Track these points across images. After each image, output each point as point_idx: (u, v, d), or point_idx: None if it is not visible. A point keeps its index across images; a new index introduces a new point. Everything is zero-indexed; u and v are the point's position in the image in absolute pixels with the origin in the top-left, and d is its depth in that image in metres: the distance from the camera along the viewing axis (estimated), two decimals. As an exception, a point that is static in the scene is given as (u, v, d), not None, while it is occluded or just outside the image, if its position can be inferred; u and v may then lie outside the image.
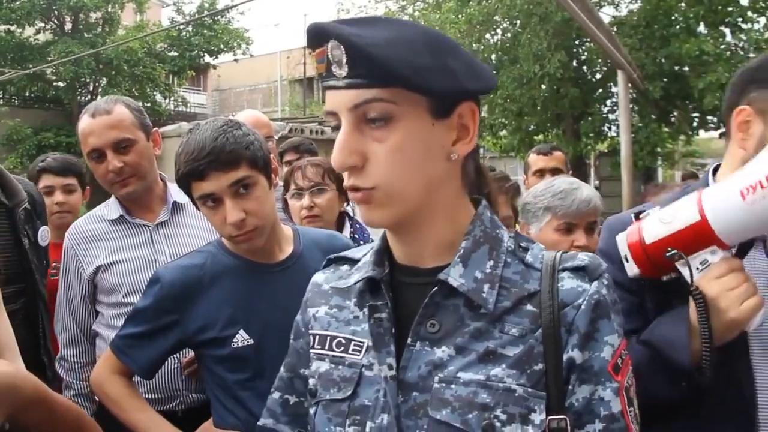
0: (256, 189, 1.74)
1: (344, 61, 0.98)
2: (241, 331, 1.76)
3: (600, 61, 12.67)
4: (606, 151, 14.31)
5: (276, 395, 1.31)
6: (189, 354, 2.07)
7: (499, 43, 13.67)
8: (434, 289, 1.06)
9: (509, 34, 13.39)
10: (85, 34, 21.81)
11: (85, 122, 2.29)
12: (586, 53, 13.08)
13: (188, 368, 2.14)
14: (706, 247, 1.38)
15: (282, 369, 1.32)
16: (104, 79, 21.77)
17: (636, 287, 1.54)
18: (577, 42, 12.80)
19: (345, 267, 1.24)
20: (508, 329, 1.03)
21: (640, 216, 1.53)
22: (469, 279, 1.05)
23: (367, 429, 1.06)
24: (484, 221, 1.11)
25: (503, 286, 1.05)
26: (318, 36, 1.01)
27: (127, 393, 1.88)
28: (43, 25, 21.39)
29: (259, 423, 1.32)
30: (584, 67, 13.43)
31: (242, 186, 1.71)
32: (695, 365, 1.33)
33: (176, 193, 2.34)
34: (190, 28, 24.06)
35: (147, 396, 2.02)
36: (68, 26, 21.89)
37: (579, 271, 1.06)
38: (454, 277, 1.05)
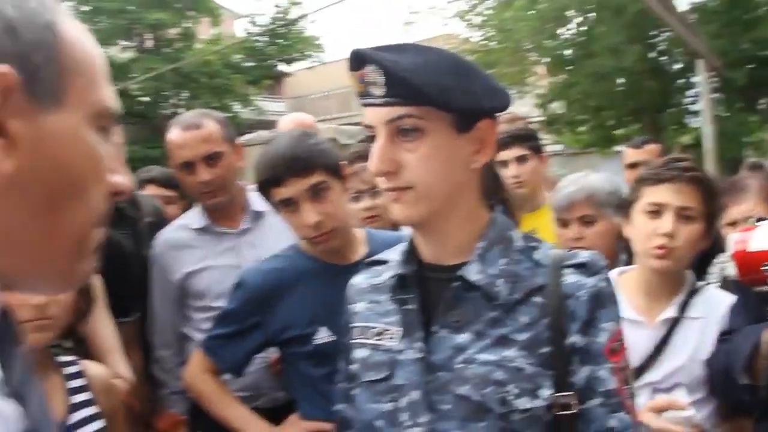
0: (331, 193, 1.84)
1: (381, 82, 1.15)
2: (322, 329, 1.85)
3: (679, 51, 12.30)
4: (690, 143, 13.90)
5: (341, 385, 1.48)
6: (275, 354, 2.17)
7: (573, 38, 13.46)
8: (456, 284, 1.22)
9: (583, 29, 13.16)
10: (165, 50, 22.59)
11: (176, 135, 2.41)
12: (663, 44, 12.72)
13: (274, 367, 2.24)
14: None
15: (340, 363, 1.48)
16: (185, 92, 22.49)
17: (745, 287, 1.62)
18: (653, 33, 12.47)
19: (379, 267, 1.42)
20: (519, 317, 1.20)
21: (758, 223, 1.58)
22: (485, 275, 1.21)
23: (402, 404, 1.23)
24: (498, 224, 1.28)
25: (515, 281, 1.22)
26: (359, 60, 1.18)
27: (219, 390, 2.00)
28: (125, 44, 22.28)
29: (333, 408, 1.50)
30: (662, 58, 13.06)
31: (318, 190, 1.82)
32: (755, 380, 1.40)
33: (257, 202, 2.45)
34: (264, 39, 24.63)
35: (236, 394, 2.11)
36: (149, 43, 22.72)
37: (581, 267, 1.22)
38: (472, 273, 1.22)
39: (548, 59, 13.92)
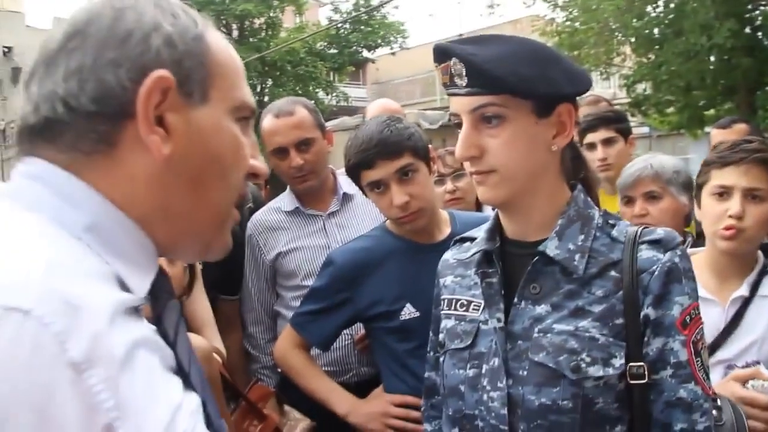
0: (418, 175, 1.91)
1: (464, 74, 1.23)
2: (408, 305, 1.93)
3: (776, 25, 11.71)
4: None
5: (431, 353, 1.60)
6: (361, 331, 2.26)
7: (661, 15, 13.00)
8: (536, 259, 1.30)
9: (672, 5, 12.69)
10: (251, 39, 23.08)
11: (269, 122, 2.52)
12: (759, 18, 12.14)
13: (360, 344, 2.33)
14: None
15: (431, 333, 1.59)
16: (270, 80, 22.95)
17: None
18: (749, 6, 11.91)
19: (467, 244, 1.50)
20: (594, 291, 1.26)
21: None
22: (564, 250, 1.28)
23: (483, 370, 1.32)
24: (578, 202, 1.34)
25: (592, 256, 1.28)
26: (442, 54, 1.27)
27: (307, 364, 2.11)
28: (213, 34, 22.80)
29: (425, 375, 1.63)
30: (758, 34, 12.45)
31: (406, 172, 1.89)
32: None
33: (345, 185, 2.53)
34: (348, 26, 24.84)
35: (324, 369, 2.23)
36: (235, 33, 23.27)
37: (655, 243, 1.27)
38: (551, 248, 1.29)
39: (635, 39, 13.51)
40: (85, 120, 0.75)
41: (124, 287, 0.74)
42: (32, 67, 0.78)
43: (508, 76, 1.19)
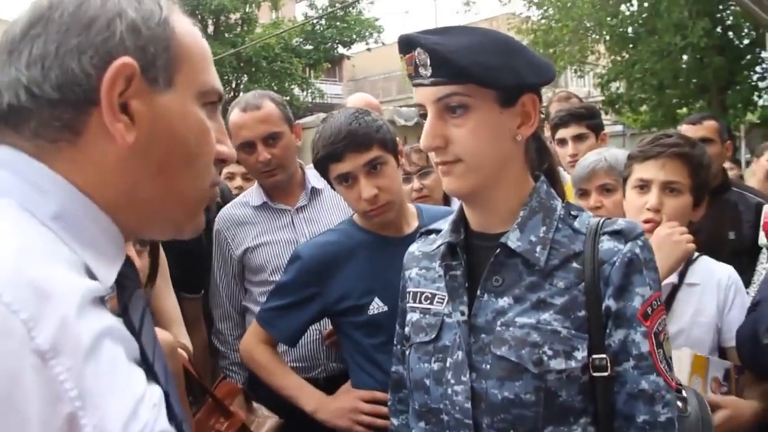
0: (387, 168, 1.90)
1: (428, 63, 1.23)
2: (376, 299, 1.91)
3: (747, 25, 11.87)
4: (757, 122, 13.42)
5: (397, 347, 1.59)
6: (329, 326, 2.23)
7: (635, 14, 13.13)
8: (497, 251, 1.29)
9: (646, 4, 12.82)
10: (226, 35, 22.93)
11: (236, 116, 2.49)
12: (731, 18, 12.30)
13: (329, 339, 2.30)
14: None
15: (397, 326, 1.59)
16: (245, 76, 22.82)
17: None
18: (720, 7, 12.07)
19: (432, 236, 1.50)
20: (556, 282, 1.26)
21: None
22: (525, 242, 1.28)
23: (447, 364, 1.31)
24: (540, 194, 1.33)
25: (553, 248, 1.28)
26: (407, 45, 1.27)
27: (274, 360, 2.08)
28: (188, 28, 22.65)
29: (392, 369, 1.61)
30: (729, 34, 12.63)
31: (374, 165, 1.88)
32: None
33: (314, 179, 2.51)
34: (323, 22, 24.77)
35: (291, 365, 2.20)
36: (210, 28, 23.10)
37: (616, 234, 1.27)
38: (513, 240, 1.28)
39: (609, 37, 13.63)
40: (49, 108, 0.74)
41: (91, 276, 0.73)
42: None
43: (473, 65, 1.19)
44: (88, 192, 0.76)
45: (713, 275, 1.96)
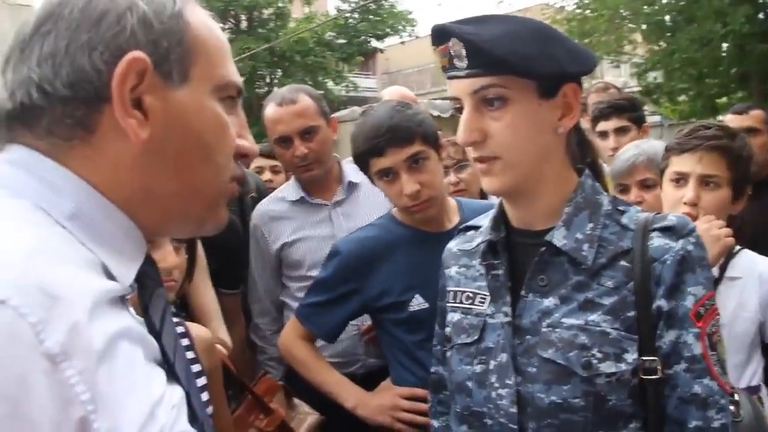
0: (429, 163, 1.86)
1: (464, 54, 1.17)
2: (417, 296, 1.89)
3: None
4: (800, 110, 13.06)
5: (437, 347, 1.55)
6: (367, 321, 2.22)
7: (673, 2, 12.86)
8: (542, 249, 1.24)
9: (684, -8, 12.55)
10: (260, 30, 23.04)
11: (272, 110, 2.47)
12: (774, 3, 11.96)
13: (367, 335, 2.29)
14: None
15: (436, 326, 1.55)
16: (279, 71, 22.91)
17: None
18: (762, -8, 11.75)
19: (471, 233, 1.45)
20: (604, 282, 1.20)
21: None
22: (571, 240, 1.23)
23: (491, 366, 1.26)
24: (585, 189, 1.28)
25: (601, 245, 1.23)
26: (441, 35, 1.22)
27: (313, 356, 2.07)
28: (221, 25, 22.78)
29: (431, 369, 1.57)
30: (772, 20, 12.29)
31: (416, 160, 1.84)
32: None
33: (351, 173, 2.49)
34: (356, 15, 24.76)
35: (330, 360, 2.19)
36: (244, 24, 23.23)
37: (667, 230, 1.21)
38: (558, 238, 1.23)
39: (646, 26, 13.38)
40: (62, 105, 0.73)
41: (109, 276, 0.72)
42: (7, 52, 0.76)
43: (510, 55, 1.14)
44: (103, 190, 0.74)
45: (755, 269, 1.92)
